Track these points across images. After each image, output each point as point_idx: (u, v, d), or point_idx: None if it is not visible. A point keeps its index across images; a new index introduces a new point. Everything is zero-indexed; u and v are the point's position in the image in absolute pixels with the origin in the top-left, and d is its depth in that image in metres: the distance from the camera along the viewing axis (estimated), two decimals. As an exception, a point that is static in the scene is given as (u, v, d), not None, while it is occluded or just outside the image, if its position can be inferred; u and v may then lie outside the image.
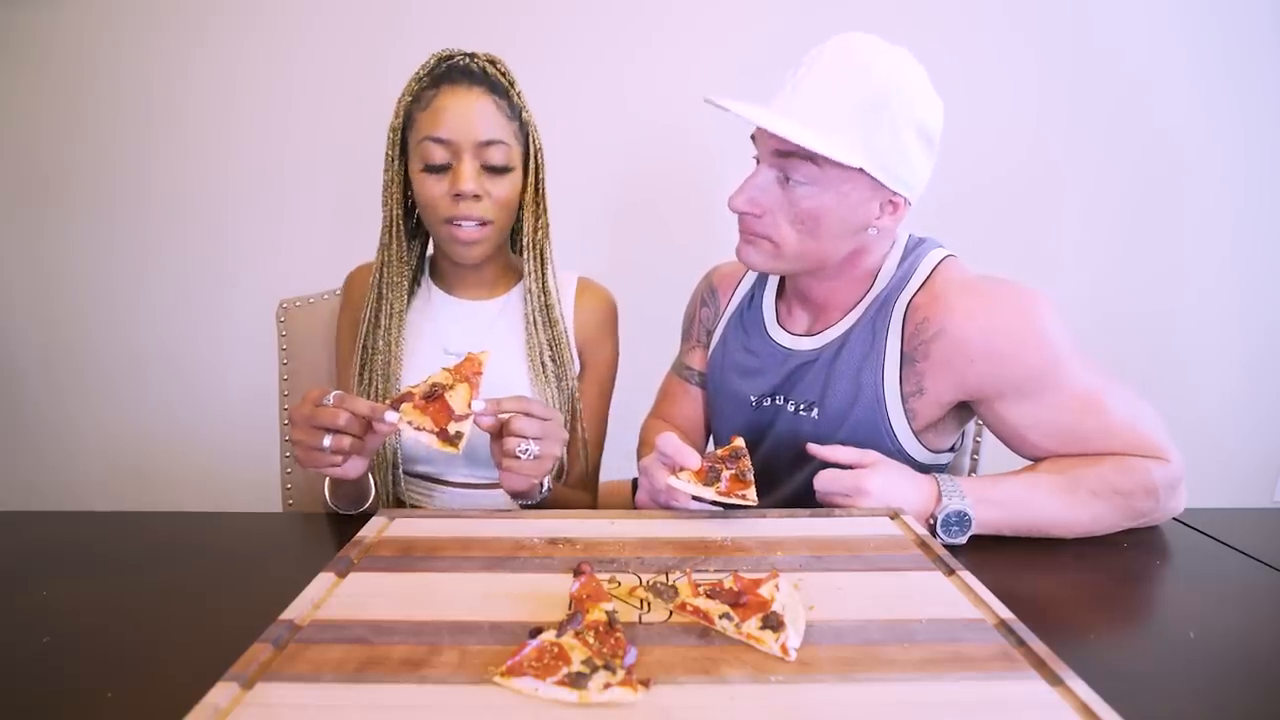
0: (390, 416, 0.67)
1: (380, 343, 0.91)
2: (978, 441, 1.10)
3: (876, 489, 0.72)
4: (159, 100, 1.62)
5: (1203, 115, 1.61)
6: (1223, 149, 1.62)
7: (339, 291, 1.09)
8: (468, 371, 0.70)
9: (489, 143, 0.84)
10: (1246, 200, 1.65)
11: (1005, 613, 0.50)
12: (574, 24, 1.57)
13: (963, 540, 0.72)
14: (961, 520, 0.71)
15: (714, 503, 0.70)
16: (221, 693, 0.41)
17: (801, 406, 0.88)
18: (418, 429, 0.67)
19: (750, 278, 1.00)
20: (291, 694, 0.42)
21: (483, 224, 0.86)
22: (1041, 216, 1.66)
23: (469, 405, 0.69)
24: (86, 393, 1.78)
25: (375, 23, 1.57)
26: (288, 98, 1.62)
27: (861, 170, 0.74)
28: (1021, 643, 0.46)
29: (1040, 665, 0.44)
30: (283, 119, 1.63)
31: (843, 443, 0.79)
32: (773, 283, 0.97)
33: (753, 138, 0.82)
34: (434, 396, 0.68)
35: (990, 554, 0.70)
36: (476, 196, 0.84)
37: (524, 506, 0.82)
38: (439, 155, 0.83)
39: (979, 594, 0.53)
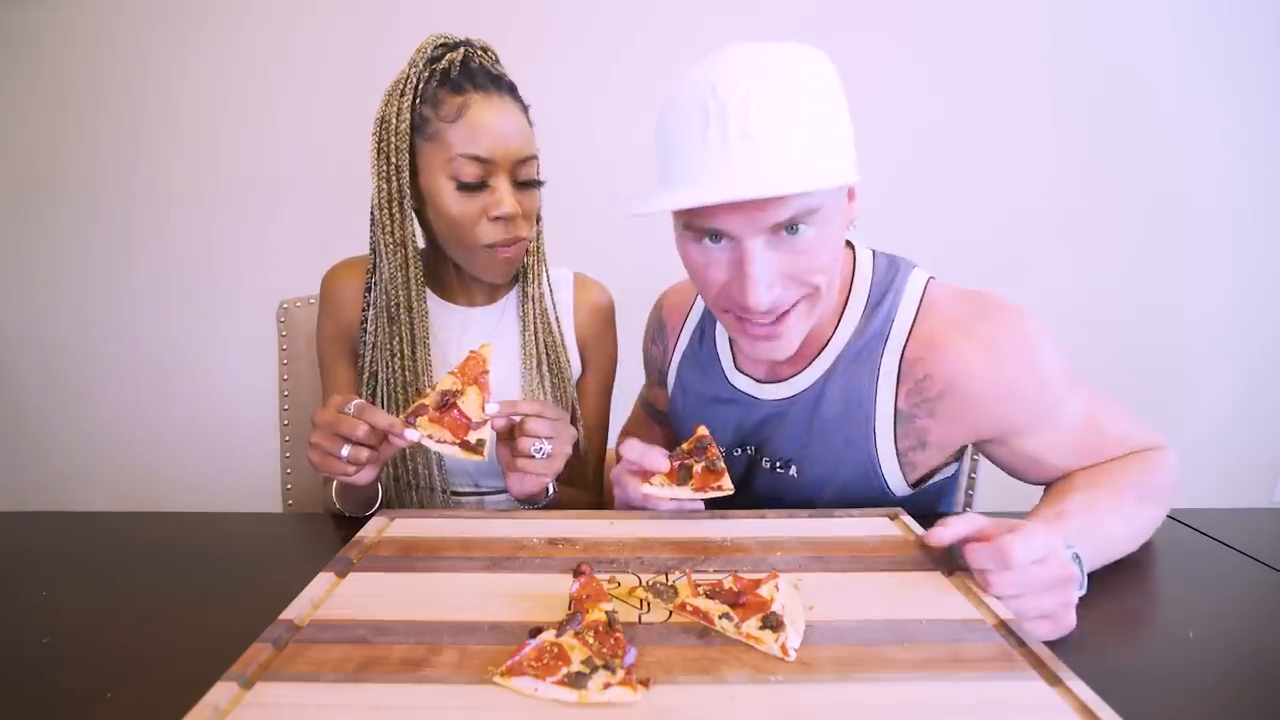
0: (411, 434, 0.66)
1: (409, 374, 0.86)
2: (975, 460, 1.06)
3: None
4: (158, 100, 1.63)
5: (1207, 121, 1.61)
6: (1223, 154, 1.62)
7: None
8: (474, 372, 0.69)
9: (525, 160, 0.81)
10: (1246, 203, 1.65)
11: (1005, 613, 0.50)
12: (565, 22, 1.58)
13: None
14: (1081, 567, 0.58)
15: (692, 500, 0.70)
16: (221, 693, 0.41)
17: (778, 464, 0.80)
18: (440, 442, 0.67)
19: (699, 309, 0.91)
20: (291, 694, 0.42)
21: (520, 240, 0.83)
22: (1045, 221, 1.66)
23: (483, 409, 0.68)
24: (86, 393, 1.78)
25: (371, 20, 1.58)
26: (287, 96, 1.62)
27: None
28: (1021, 643, 0.46)
29: (1039, 665, 0.44)
30: (282, 118, 1.63)
31: (831, 501, 0.76)
32: None
33: (710, 232, 0.65)
34: (447, 405, 0.67)
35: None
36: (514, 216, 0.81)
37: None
38: (474, 173, 0.79)
39: (979, 594, 0.53)
